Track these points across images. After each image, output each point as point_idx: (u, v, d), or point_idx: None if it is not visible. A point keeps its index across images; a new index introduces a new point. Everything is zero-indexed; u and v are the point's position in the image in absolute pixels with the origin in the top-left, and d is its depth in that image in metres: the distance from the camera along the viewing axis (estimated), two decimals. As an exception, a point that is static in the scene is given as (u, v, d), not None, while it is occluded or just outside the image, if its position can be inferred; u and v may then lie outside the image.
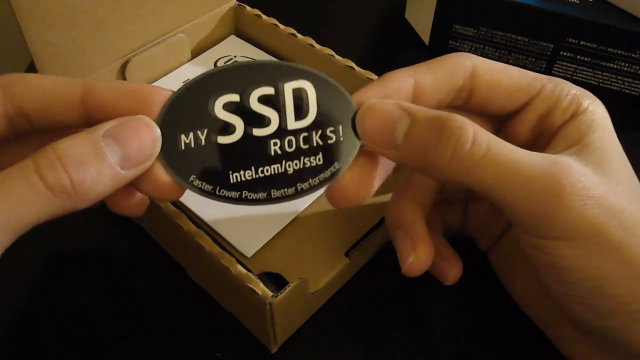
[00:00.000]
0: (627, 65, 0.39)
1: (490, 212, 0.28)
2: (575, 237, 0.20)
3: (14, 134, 0.21)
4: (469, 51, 0.42)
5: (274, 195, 0.22)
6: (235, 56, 0.39)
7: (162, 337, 0.28)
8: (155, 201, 0.21)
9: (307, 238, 0.29)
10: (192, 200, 0.29)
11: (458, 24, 0.42)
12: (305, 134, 0.22)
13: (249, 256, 0.28)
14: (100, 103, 0.21)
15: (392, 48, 0.46)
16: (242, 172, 0.22)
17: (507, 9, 0.39)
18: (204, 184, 0.22)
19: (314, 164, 0.22)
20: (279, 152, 0.22)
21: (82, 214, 0.20)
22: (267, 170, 0.22)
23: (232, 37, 0.41)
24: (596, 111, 0.23)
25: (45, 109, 0.21)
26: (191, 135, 0.21)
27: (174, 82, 0.36)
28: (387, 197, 0.27)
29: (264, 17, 0.38)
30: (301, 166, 0.22)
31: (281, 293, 0.24)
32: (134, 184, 0.21)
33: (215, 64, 0.38)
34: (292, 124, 0.22)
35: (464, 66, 0.23)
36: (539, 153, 0.21)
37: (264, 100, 0.22)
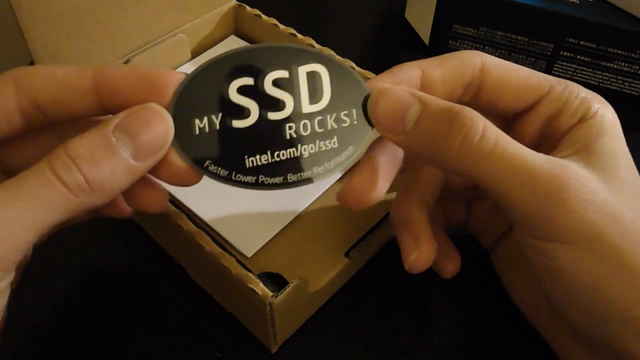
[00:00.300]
0: (627, 65, 0.39)
1: (492, 211, 0.28)
2: (574, 240, 0.20)
3: (29, 128, 0.21)
4: (469, 51, 0.42)
5: (291, 179, 0.22)
6: (235, 56, 0.39)
7: (162, 337, 0.28)
8: (175, 185, 0.21)
9: (307, 238, 0.29)
10: (192, 200, 0.29)
11: (458, 24, 0.42)
12: (320, 117, 0.22)
13: (249, 256, 0.28)
14: (113, 89, 0.20)
15: (392, 48, 0.46)
16: (257, 157, 0.21)
17: (507, 9, 0.39)
18: (220, 169, 0.21)
19: (329, 147, 0.22)
20: (295, 135, 0.22)
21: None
22: (283, 155, 0.22)
23: (232, 37, 0.41)
24: (605, 116, 0.22)
25: (58, 98, 0.21)
26: (205, 119, 0.21)
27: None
28: (388, 197, 0.27)
29: (264, 17, 0.38)
30: (317, 150, 0.22)
31: (281, 293, 0.24)
32: (151, 172, 0.21)
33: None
34: (306, 107, 0.22)
35: (473, 62, 0.23)
36: (546, 155, 0.21)
37: (278, 83, 0.21)
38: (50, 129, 0.22)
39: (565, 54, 0.40)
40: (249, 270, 0.25)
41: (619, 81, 0.40)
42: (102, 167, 0.19)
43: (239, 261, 0.25)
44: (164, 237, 0.30)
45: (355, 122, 0.22)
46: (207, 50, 0.39)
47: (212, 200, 0.29)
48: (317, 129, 0.22)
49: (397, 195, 0.26)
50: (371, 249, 0.30)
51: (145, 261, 0.30)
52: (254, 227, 0.29)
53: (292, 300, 0.25)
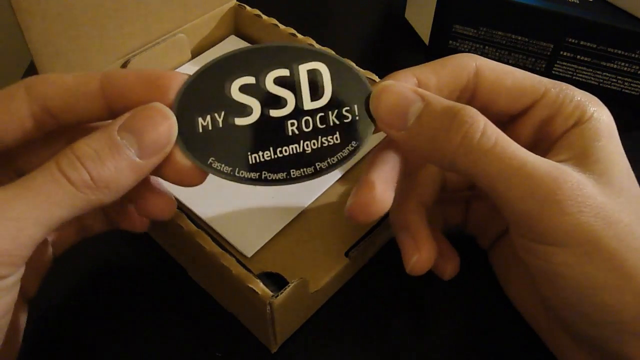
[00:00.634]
0: (627, 65, 0.39)
1: (490, 213, 0.28)
2: (568, 244, 0.20)
3: (42, 133, 0.22)
4: (469, 51, 0.42)
5: (294, 175, 0.22)
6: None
7: (162, 337, 0.28)
8: (180, 186, 0.22)
9: (307, 238, 0.29)
10: (192, 200, 0.29)
11: (458, 24, 0.42)
12: (322, 113, 0.22)
13: (249, 256, 0.28)
14: (119, 93, 0.21)
15: (392, 48, 0.46)
16: (260, 153, 0.22)
17: (507, 9, 0.39)
18: (223, 165, 0.22)
19: (331, 143, 0.22)
20: (297, 132, 0.22)
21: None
22: (286, 151, 0.22)
23: (232, 37, 0.41)
24: (601, 119, 0.22)
25: (69, 104, 0.21)
26: (208, 117, 0.21)
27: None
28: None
29: (264, 17, 0.38)
30: (319, 145, 0.22)
31: (281, 293, 0.24)
32: (157, 171, 0.21)
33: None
34: (308, 104, 0.22)
35: (468, 66, 0.23)
36: (544, 158, 0.21)
37: (279, 81, 0.22)
38: (62, 135, 0.23)
39: (565, 54, 0.40)
40: (249, 270, 0.25)
41: (619, 81, 0.40)
42: (107, 164, 0.19)
43: (239, 261, 0.25)
44: (164, 237, 0.30)
45: (357, 118, 0.22)
46: (207, 50, 0.39)
47: (212, 200, 0.29)
48: (319, 125, 0.22)
49: (395, 199, 0.26)
50: (371, 249, 0.30)
51: (146, 261, 0.30)
52: (254, 227, 0.29)
53: (292, 300, 0.25)
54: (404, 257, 0.25)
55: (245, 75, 0.22)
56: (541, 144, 0.24)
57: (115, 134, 0.20)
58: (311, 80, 0.22)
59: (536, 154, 0.21)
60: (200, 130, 0.21)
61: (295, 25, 0.37)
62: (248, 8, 0.39)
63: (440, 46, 0.44)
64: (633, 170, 0.23)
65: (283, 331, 0.27)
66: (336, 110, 0.22)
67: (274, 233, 0.29)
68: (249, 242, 0.28)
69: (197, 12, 0.38)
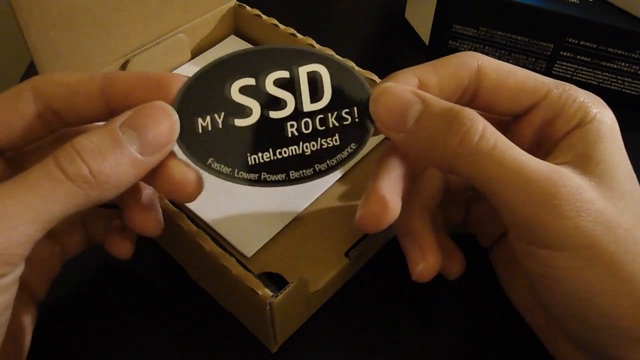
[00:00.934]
0: (627, 65, 0.39)
1: (491, 213, 0.28)
2: (567, 248, 0.20)
3: (48, 133, 0.22)
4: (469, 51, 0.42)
5: (293, 176, 0.22)
6: (235, 56, 0.39)
7: (162, 337, 0.28)
8: (176, 200, 0.22)
9: (307, 238, 0.29)
10: (192, 200, 0.29)
11: (458, 24, 0.42)
12: (321, 115, 0.22)
13: (249, 256, 0.28)
14: (119, 93, 0.21)
15: (392, 48, 0.46)
16: (260, 154, 0.22)
17: (507, 9, 0.39)
18: (222, 166, 0.22)
19: (330, 144, 0.22)
20: (296, 133, 0.22)
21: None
22: (285, 152, 0.22)
23: (232, 37, 0.41)
24: (604, 121, 0.22)
25: (71, 104, 0.21)
26: (208, 118, 0.21)
27: (174, 82, 0.36)
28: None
29: (264, 17, 0.38)
30: (318, 147, 0.22)
31: (281, 293, 0.24)
32: (152, 183, 0.21)
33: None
34: (307, 106, 0.22)
35: (470, 65, 0.23)
36: (544, 161, 0.21)
37: (279, 83, 0.22)
38: (68, 137, 0.23)
39: (565, 54, 0.40)
40: (249, 270, 0.25)
41: (619, 81, 0.40)
42: (108, 159, 0.19)
43: (239, 261, 0.25)
44: (163, 237, 0.30)
45: (357, 120, 0.22)
46: (207, 50, 0.39)
47: (212, 200, 0.29)
48: (318, 127, 0.22)
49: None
50: (371, 249, 0.30)
51: (146, 261, 0.30)
52: (254, 227, 0.29)
53: (292, 300, 0.25)
54: (410, 265, 0.25)
55: (245, 77, 0.22)
56: (543, 145, 0.23)
57: (117, 130, 0.20)
58: (311, 82, 0.22)
59: (538, 155, 0.21)
60: (200, 130, 0.21)
61: (295, 25, 0.37)
62: (248, 8, 0.39)
63: (440, 46, 0.44)
64: (634, 171, 0.22)
65: (283, 331, 0.27)
66: (336, 112, 0.22)
67: (273, 233, 0.29)
68: (249, 243, 0.28)
69: (197, 12, 0.38)
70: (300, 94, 0.22)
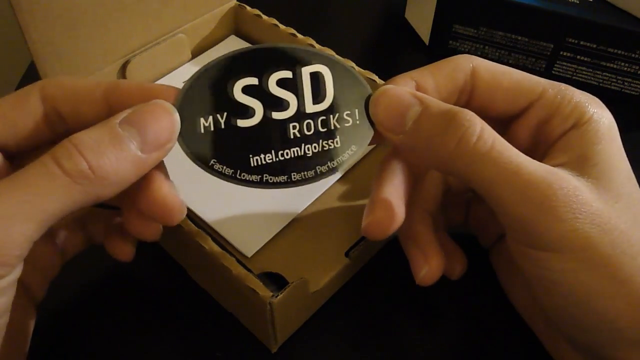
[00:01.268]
0: (627, 65, 0.39)
1: (490, 214, 0.28)
2: (564, 250, 0.20)
3: (54, 135, 0.22)
4: (469, 51, 0.43)
5: (295, 178, 0.22)
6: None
7: (162, 337, 0.28)
8: (157, 220, 0.22)
9: (307, 238, 0.29)
10: (192, 200, 0.29)
11: (458, 24, 0.42)
12: (323, 117, 0.22)
13: (249, 256, 0.28)
14: (122, 99, 0.21)
15: (392, 48, 0.46)
16: (262, 156, 0.22)
17: (507, 9, 0.39)
18: (225, 167, 0.22)
19: (332, 146, 0.22)
20: (298, 135, 0.22)
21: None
22: (287, 154, 0.22)
23: (232, 37, 0.41)
24: (601, 121, 0.22)
25: (76, 107, 0.22)
26: (210, 118, 0.21)
27: (174, 82, 0.36)
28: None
29: (264, 17, 0.38)
30: (320, 149, 0.22)
31: (281, 293, 0.24)
32: (139, 202, 0.21)
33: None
34: (310, 107, 0.22)
35: (464, 67, 0.23)
36: (541, 163, 0.21)
37: (282, 83, 0.22)
38: None
39: (565, 54, 0.40)
40: (249, 270, 0.25)
41: (619, 81, 0.40)
42: (107, 154, 0.19)
43: (239, 261, 0.25)
44: (163, 237, 0.30)
45: (358, 122, 0.22)
46: (207, 50, 0.39)
47: (212, 200, 0.29)
48: (320, 128, 0.22)
49: None
50: (371, 249, 0.30)
51: (146, 261, 0.30)
52: (254, 227, 0.29)
53: (292, 300, 0.25)
54: (413, 269, 0.25)
55: (248, 76, 0.22)
56: (540, 146, 0.23)
57: (117, 126, 0.20)
58: (314, 83, 0.22)
59: (535, 157, 0.21)
60: (202, 131, 0.21)
61: (295, 25, 0.37)
62: (248, 8, 0.39)
63: (440, 46, 0.44)
64: (633, 171, 0.22)
65: (283, 331, 0.27)
66: (337, 114, 0.22)
67: (274, 233, 0.29)
68: (249, 242, 0.28)
69: (197, 12, 0.37)
70: (303, 95, 0.22)
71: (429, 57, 0.44)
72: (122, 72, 0.34)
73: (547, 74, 0.41)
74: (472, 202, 0.29)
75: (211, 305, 0.29)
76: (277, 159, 0.22)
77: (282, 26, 0.37)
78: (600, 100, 0.23)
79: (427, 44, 0.45)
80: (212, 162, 0.21)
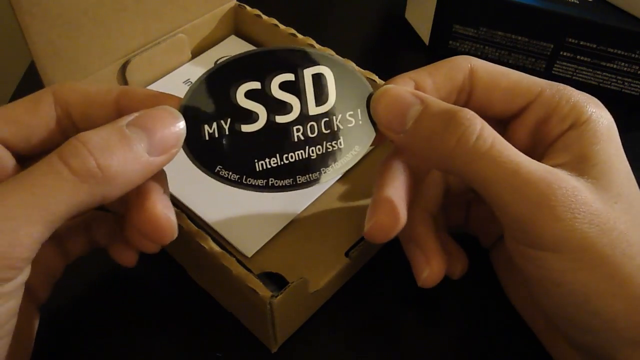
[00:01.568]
0: (627, 65, 0.39)
1: (491, 214, 0.28)
2: (562, 250, 0.20)
3: (63, 138, 0.22)
4: (469, 51, 0.43)
5: (300, 181, 0.22)
6: (235, 56, 0.39)
7: (162, 337, 0.28)
8: (148, 238, 0.22)
9: (307, 238, 0.29)
10: (192, 200, 0.29)
11: (458, 24, 0.42)
12: (327, 118, 0.22)
13: (249, 256, 0.28)
14: (132, 105, 0.21)
15: (392, 48, 0.46)
16: (267, 160, 0.22)
17: (507, 9, 0.39)
18: (231, 173, 0.22)
19: (335, 147, 0.22)
20: (302, 138, 0.22)
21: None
22: (292, 157, 0.22)
23: (232, 37, 0.41)
24: (600, 121, 0.22)
25: (87, 111, 0.22)
26: (215, 125, 0.21)
27: (174, 82, 0.36)
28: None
29: (264, 17, 0.38)
30: (324, 151, 0.22)
31: (281, 293, 0.24)
32: (132, 219, 0.21)
33: (215, 64, 0.38)
34: (313, 109, 0.22)
35: (462, 67, 0.23)
36: (540, 162, 0.21)
37: (284, 86, 0.22)
38: None
39: (565, 54, 0.40)
40: (249, 270, 0.25)
41: (619, 81, 0.40)
42: (116, 153, 0.19)
43: (239, 261, 0.25)
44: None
45: (360, 122, 0.22)
46: (207, 50, 0.39)
47: (212, 200, 0.29)
48: (323, 130, 0.22)
49: None
50: (371, 249, 0.30)
51: (146, 261, 0.30)
52: (254, 227, 0.29)
53: (292, 300, 0.25)
54: (415, 271, 0.25)
55: (250, 81, 0.22)
56: (539, 145, 0.23)
57: (125, 127, 0.20)
58: (316, 85, 0.22)
59: (534, 157, 0.21)
60: (207, 137, 0.21)
61: (295, 25, 0.37)
62: (248, 8, 0.39)
63: (440, 46, 0.44)
64: (633, 171, 0.22)
65: (283, 331, 0.27)
66: (340, 115, 0.22)
67: (274, 233, 0.29)
68: (249, 242, 0.28)
69: (197, 12, 0.37)
70: (306, 97, 0.22)
71: (429, 57, 0.44)
72: (122, 72, 0.34)
73: (547, 74, 0.41)
74: (473, 202, 0.29)
75: (211, 305, 0.29)
76: (282, 163, 0.22)
77: (282, 26, 0.37)
78: (600, 100, 0.23)
79: (427, 44, 0.45)
80: (217, 168, 0.22)
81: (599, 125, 0.22)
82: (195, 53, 0.39)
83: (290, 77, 0.22)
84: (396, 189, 0.22)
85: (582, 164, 0.21)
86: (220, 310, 0.28)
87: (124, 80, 0.35)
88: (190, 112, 0.21)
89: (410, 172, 0.23)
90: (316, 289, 0.26)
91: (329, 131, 0.22)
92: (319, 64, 0.22)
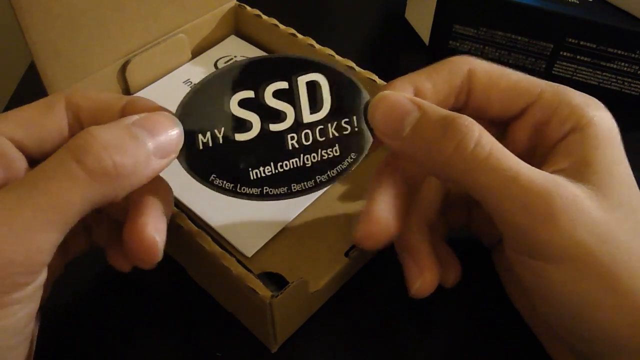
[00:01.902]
0: (627, 65, 0.39)
1: (491, 218, 0.28)
2: (562, 259, 0.19)
3: None
4: (469, 51, 0.43)
5: (295, 189, 0.22)
6: (235, 56, 0.39)
7: (162, 337, 0.28)
8: (135, 260, 0.22)
9: (307, 238, 0.29)
10: (192, 200, 0.29)
11: (458, 24, 0.42)
12: (321, 126, 0.22)
13: (249, 256, 0.28)
14: (133, 111, 0.21)
15: (392, 48, 0.46)
16: (261, 168, 0.22)
17: (507, 9, 0.39)
18: (225, 182, 0.22)
19: (331, 155, 0.22)
20: (297, 146, 0.22)
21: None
22: (286, 165, 0.22)
23: (232, 37, 0.41)
24: (601, 124, 0.22)
25: (96, 118, 0.22)
26: (208, 134, 0.21)
27: (174, 82, 0.36)
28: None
29: (264, 17, 0.38)
30: (319, 158, 0.22)
31: (281, 293, 0.24)
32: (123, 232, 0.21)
33: (215, 64, 0.38)
34: (307, 117, 0.22)
35: (461, 69, 0.23)
36: (540, 170, 0.20)
37: (278, 95, 0.22)
38: None
39: (565, 54, 0.40)
40: (249, 270, 0.25)
41: (619, 81, 0.40)
42: (129, 152, 0.19)
43: (239, 261, 0.25)
44: (164, 237, 0.30)
45: (356, 129, 0.22)
46: (207, 50, 0.39)
47: (212, 200, 0.29)
48: (318, 138, 0.22)
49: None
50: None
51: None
52: (254, 227, 0.29)
53: (292, 300, 0.25)
54: (408, 280, 0.24)
55: (244, 90, 0.22)
56: (538, 149, 0.23)
57: (131, 126, 0.20)
58: (310, 92, 0.22)
59: (534, 160, 0.21)
60: (201, 147, 0.21)
61: (295, 25, 0.37)
62: (248, 8, 0.39)
63: (440, 46, 0.44)
64: (633, 171, 0.22)
65: (283, 331, 0.27)
66: (335, 122, 0.22)
67: (274, 233, 0.29)
68: (249, 242, 0.28)
69: (197, 12, 0.37)
70: (300, 105, 0.22)
71: (429, 57, 0.44)
72: (122, 72, 0.34)
73: (547, 74, 0.41)
74: (473, 204, 0.29)
75: (211, 305, 0.29)
76: (277, 171, 0.22)
77: (282, 26, 0.37)
78: (600, 100, 0.23)
79: (427, 44, 0.45)
80: (211, 177, 0.22)
81: (600, 128, 0.22)
82: (195, 53, 0.39)
83: (284, 85, 0.22)
84: (387, 199, 0.22)
85: (582, 170, 0.21)
86: (220, 310, 0.28)
87: (124, 81, 0.35)
88: (185, 122, 0.21)
89: (405, 181, 0.23)
90: (316, 289, 0.26)
91: (324, 139, 0.22)
92: (313, 71, 0.22)
